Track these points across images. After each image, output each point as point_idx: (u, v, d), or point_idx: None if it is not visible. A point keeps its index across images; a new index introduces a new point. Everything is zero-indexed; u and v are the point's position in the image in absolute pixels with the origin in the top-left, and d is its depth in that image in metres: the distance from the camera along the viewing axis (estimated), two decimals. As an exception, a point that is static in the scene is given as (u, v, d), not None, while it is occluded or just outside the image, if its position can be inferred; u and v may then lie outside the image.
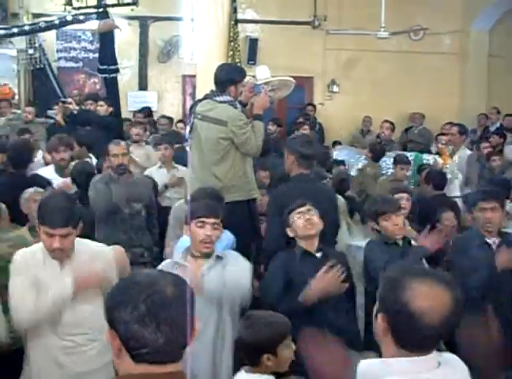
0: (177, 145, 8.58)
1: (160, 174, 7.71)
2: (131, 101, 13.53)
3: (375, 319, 2.28)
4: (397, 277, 2.25)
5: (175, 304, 1.89)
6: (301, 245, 4.53)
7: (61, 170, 6.99)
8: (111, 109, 10.00)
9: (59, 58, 13.66)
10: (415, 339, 2.19)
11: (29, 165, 6.60)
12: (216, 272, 4.11)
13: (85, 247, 3.95)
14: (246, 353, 3.47)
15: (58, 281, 3.78)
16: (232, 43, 10.35)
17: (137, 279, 1.96)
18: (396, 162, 8.48)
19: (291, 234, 4.58)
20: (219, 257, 4.20)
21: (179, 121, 11.88)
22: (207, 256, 4.16)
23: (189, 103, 12.77)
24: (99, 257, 3.95)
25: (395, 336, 2.22)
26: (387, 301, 2.25)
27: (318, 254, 4.52)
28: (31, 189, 5.54)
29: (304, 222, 4.49)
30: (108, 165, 6.46)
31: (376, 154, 9.47)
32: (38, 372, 3.87)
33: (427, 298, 2.16)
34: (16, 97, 12.84)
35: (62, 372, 3.83)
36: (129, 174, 6.31)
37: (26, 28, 11.91)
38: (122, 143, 6.45)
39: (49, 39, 13.32)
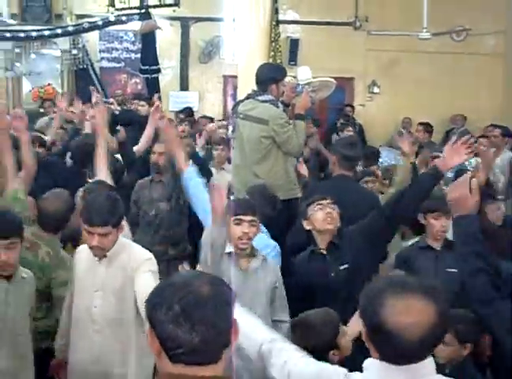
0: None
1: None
2: (172, 101, 13.60)
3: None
4: (376, 292, 2.21)
5: (211, 303, 1.88)
6: (316, 239, 4.49)
7: None
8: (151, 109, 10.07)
9: (102, 59, 13.82)
10: (394, 354, 2.17)
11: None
12: (262, 272, 4.15)
13: (126, 247, 3.99)
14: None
15: (90, 275, 3.91)
16: (274, 44, 10.38)
17: (172, 281, 1.98)
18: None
19: (307, 227, 4.52)
20: (264, 259, 4.23)
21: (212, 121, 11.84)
22: (249, 254, 4.18)
23: (230, 103, 12.86)
24: (133, 259, 3.95)
25: (376, 348, 2.21)
26: (367, 316, 2.23)
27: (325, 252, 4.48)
28: (82, 188, 5.62)
29: (324, 215, 4.42)
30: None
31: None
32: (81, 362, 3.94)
33: (407, 314, 2.12)
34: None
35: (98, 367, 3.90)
36: (159, 175, 6.37)
37: (70, 28, 12.12)
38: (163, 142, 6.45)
39: (92, 39, 13.50)
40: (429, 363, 2.20)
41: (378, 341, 2.19)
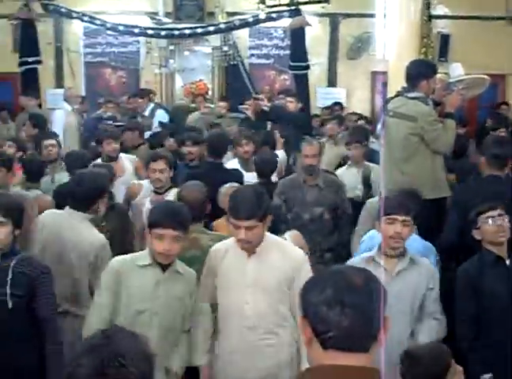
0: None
1: (350, 174, 7.25)
2: (320, 97, 13.63)
3: None
4: None
5: (362, 291, 1.93)
6: (490, 249, 4.37)
7: (245, 164, 7.12)
8: (300, 105, 10.15)
9: (251, 55, 14.06)
10: None
11: (224, 155, 6.80)
12: (408, 275, 4.09)
13: (275, 244, 4.01)
14: None
15: (239, 271, 3.93)
16: (425, 40, 10.17)
17: (328, 270, 2.08)
18: None
19: (477, 237, 4.43)
20: (412, 261, 4.17)
21: (363, 118, 11.72)
22: (399, 255, 4.13)
23: (378, 100, 12.74)
24: (290, 258, 3.98)
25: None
26: None
27: (508, 261, 4.36)
28: (227, 185, 5.75)
29: (495, 228, 4.33)
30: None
31: None
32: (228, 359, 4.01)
33: None
34: (210, 92, 13.34)
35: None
36: (313, 178, 6.21)
37: (221, 26, 12.37)
38: (315, 143, 6.36)
39: (242, 36, 13.77)
40: None
41: None
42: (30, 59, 11.46)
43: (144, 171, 6.33)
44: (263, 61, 14.13)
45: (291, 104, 10.03)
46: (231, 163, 7.36)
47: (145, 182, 6.19)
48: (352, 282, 1.94)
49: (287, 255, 3.96)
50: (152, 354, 1.97)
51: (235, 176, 6.39)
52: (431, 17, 11.03)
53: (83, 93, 13.17)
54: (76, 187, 4.64)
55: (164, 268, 3.87)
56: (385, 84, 8.56)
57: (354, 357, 1.92)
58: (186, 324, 4.03)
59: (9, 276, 3.72)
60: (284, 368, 3.93)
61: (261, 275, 3.89)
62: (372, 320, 1.91)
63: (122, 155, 7.23)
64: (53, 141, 7.29)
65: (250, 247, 3.88)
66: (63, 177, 6.45)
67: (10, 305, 3.69)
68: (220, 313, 4.05)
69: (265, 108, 9.70)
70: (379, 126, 6.40)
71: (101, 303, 3.88)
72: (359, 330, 1.91)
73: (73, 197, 4.63)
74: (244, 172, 6.91)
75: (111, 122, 9.83)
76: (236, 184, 5.68)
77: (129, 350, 1.88)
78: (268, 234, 3.98)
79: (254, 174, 6.77)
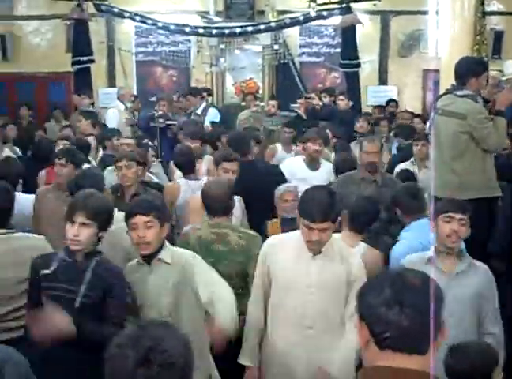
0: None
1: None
2: (370, 96, 13.55)
3: None
4: None
5: (421, 292, 1.93)
6: None
7: (312, 162, 7.06)
8: (351, 103, 10.13)
9: (302, 53, 14.01)
10: None
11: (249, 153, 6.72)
12: (467, 278, 4.04)
13: (339, 245, 4.01)
14: None
15: (302, 271, 3.90)
16: (478, 37, 10.01)
17: (385, 271, 2.17)
18: None
19: None
20: (472, 264, 4.12)
21: (416, 116, 11.58)
22: (456, 256, 4.08)
23: (429, 98, 12.61)
24: (352, 256, 3.98)
25: None
26: None
27: None
28: (282, 187, 5.74)
29: None
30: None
31: None
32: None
33: None
34: (260, 91, 13.36)
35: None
36: (373, 174, 6.16)
37: (272, 24, 12.40)
38: (376, 140, 6.34)
39: (292, 34, 13.73)
40: None
41: None
42: (83, 58, 11.66)
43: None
44: (313, 59, 14.07)
45: (342, 102, 10.04)
46: (295, 159, 7.35)
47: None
48: (410, 283, 1.95)
49: (347, 256, 3.95)
50: (188, 339, 1.99)
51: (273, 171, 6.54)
52: (484, 14, 10.84)
53: (134, 92, 13.31)
54: None
55: (149, 261, 3.92)
56: (436, 83, 8.48)
57: (411, 359, 1.92)
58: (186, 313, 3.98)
59: (87, 277, 3.73)
60: (341, 369, 3.91)
61: (325, 275, 3.86)
62: (430, 321, 1.90)
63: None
64: (130, 140, 7.47)
65: (318, 248, 3.85)
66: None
67: (78, 304, 3.68)
68: (275, 311, 4.01)
69: (317, 107, 9.72)
70: (428, 125, 6.30)
71: None
72: (418, 331, 1.91)
73: None
74: (309, 171, 6.95)
75: (162, 121, 9.93)
76: (293, 188, 5.68)
77: (167, 337, 1.91)
78: None
79: (318, 173, 6.83)
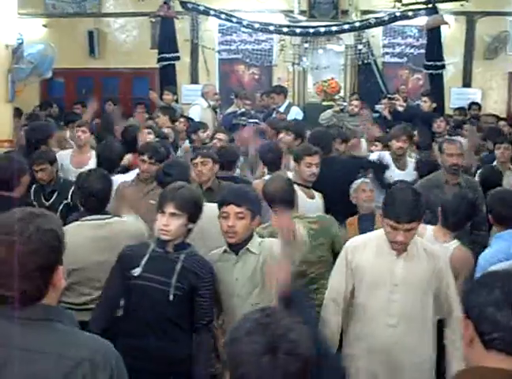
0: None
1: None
2: (454, 98, 13.36)
3: None
4: None
5: None
6: None
7: (398, 160, 7.03)
8: (434, 105, 10.01)
9: (384, 54, 13.91)
10: None
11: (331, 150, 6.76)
12: None
13: (424, 244, 4.01)
14: None
15: (387, 270, 3.91)
16: None
17: (495, 271, 2.10)
18: None
19: None
20: None
21: (500, 119, 11.35)
22: None
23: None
24: (436, 256, 3.96)
25: None
26: None
27: None
28: (358, 181, 5.74)
29: None
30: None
31: None
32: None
33: None
34: (342, 91, 13.31)
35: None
36: (456, 177, 6.12)
37: (357, 24, 12.36)
38: (459, 142, 6.29)
39: (376, 35, 13.62)
40: None
41: None
42: (169, 55, 11.85)
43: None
44: (396, 59, 13.94)
45: (426, 104, 9.93)
46: (384, 154, 7.24)
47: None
48: None
49: (433, 254, 3.95)
50: (310, 334, 1.99)
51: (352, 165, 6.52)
52: None
53: (217, 89, 13.44)
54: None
55: (237, 250, 3.97)
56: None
57: None
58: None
59: (177, 270, 3.82)
60: (425, 368, 3.90)
61: (411, 274, 3.88)
62: None
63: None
64: (223, 135, 7.55)
65: (403, 248, 3.86)
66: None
67: (171, 296, 3.77)
68: (357, 310, 4.03)
69: (400, 108, 9.63)
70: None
71: None
72: None
73: None
74: (396, 169, 6.91)
75: (245, 118, 9.99)
76: (368, 180, 5.67)
77: (295, 327, 1.91)
78: None
79: (406, 173, 6.80)
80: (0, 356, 2.03)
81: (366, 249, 4.01)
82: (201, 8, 12.33)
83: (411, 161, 7.06)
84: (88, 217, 4.49)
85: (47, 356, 2.07)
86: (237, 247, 3.97)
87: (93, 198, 4.51)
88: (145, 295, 3.80)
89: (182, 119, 9.49)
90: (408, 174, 6.81)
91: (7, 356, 2.03)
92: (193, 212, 3.90)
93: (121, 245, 4.04)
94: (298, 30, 12.56)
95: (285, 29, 12.61)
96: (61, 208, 5.72)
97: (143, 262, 3.84)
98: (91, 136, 7.54)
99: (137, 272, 3.82)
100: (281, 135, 7.40)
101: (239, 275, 3.96)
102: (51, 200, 5.85)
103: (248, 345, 1.85)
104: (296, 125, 7.89)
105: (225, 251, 4.03)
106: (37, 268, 2.09)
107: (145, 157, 5.87)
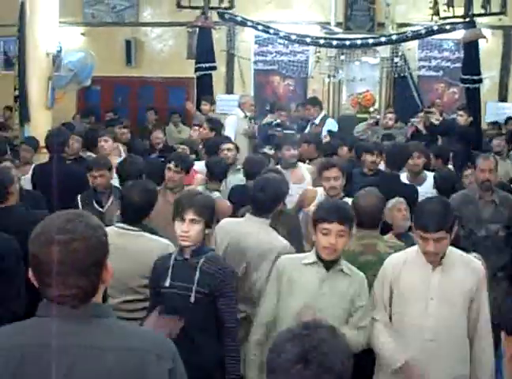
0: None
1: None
2: (489, 112, 13.25)
3: None
4: None
5: None
6: None
7: (414, 176, 7.12)
8: (470, 119, 9.97)
9: (420, 67, 13.87)
10: None
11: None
12: None
13: (458, 256, 4.00)
14: None
15: (423, 283, 3.91)
16: None
17: None
18: None
19: None
20: None
21: None
22: None
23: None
24: (472, 271, 3.96)
25: None
26: None
27: None
28: (393, 200, 5.74)
29: None
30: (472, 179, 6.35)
31: None
32: None
33: None
34: (377, 104, 13.31)
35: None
36: (490, 194, 6.08)
37: (393, 37, 12.32)
38: (491, 158, 6.22)
39: (412, 48, 13.59)
40: None
41: None
42: (206, 65, 11.92)
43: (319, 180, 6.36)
44: (432, 73, 13.89)
45: (462, 118, 9.89)
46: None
47: (319, 190, 6.25)
48: None
49: (469, 268, 3.96)
50: (349, 350, 2.00)
51: (411, 190, 6.38)
52: None
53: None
54: (259, 193, 4.76)
55: (328, 266, 3.97)
56: None
57: None
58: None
59: (197, 275, 3.90)
60: None
61: (446, 287, 3.88)
62: None
63: (300, 164, 7.38)
64: (231, 145, 7.53)
65: (436, 259, 3.88)
66: (235, 179, 6.76)
67: (193, 299, 3.86)
68: (394, 324, 4.05)
69: (435, 122, 9.61)
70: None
71: (269, 299, 4.12)
72: None
73: (257, 202, 4.79)
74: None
75: (280, 129, 10.03)
76: (403, 199, 5.65)
77: (331, 340, 1.93)
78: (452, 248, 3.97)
79: (423, 187, 6.79)
80: (69, 356, 2.07)
81: (406, 263, 4.04)
82: (239, 19, 12.39)
83: (429, 175, 7.08)
84: (118, 225, 4.52)
85: (115, 351, 2.11)
86: (329, 263, 3.99)
87: (130, 209, 4.56)
88: (171, 303, 3.88)
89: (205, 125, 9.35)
90: (426, 188, 6.81)
91: (75, 355, 2.07)
92: (209, 217, 4.04)
93: (135, 258, 4.22)
94: (334, 42, 12.55)
95: (322, 41, 12.61)
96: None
97: (169, 272, 3.95)
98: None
99: (167, 282, 3.94)
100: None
101: (326, 291, 3.98)
102: (106, 207, 5.91)
103: (282, 353, 1.90)
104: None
105: (314, 262, 4.02)
106: (92, 264, 2.13)
107: (171, 165, 5.94)
